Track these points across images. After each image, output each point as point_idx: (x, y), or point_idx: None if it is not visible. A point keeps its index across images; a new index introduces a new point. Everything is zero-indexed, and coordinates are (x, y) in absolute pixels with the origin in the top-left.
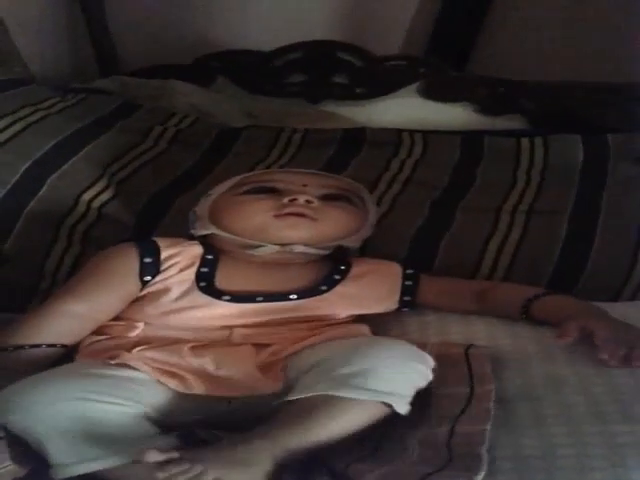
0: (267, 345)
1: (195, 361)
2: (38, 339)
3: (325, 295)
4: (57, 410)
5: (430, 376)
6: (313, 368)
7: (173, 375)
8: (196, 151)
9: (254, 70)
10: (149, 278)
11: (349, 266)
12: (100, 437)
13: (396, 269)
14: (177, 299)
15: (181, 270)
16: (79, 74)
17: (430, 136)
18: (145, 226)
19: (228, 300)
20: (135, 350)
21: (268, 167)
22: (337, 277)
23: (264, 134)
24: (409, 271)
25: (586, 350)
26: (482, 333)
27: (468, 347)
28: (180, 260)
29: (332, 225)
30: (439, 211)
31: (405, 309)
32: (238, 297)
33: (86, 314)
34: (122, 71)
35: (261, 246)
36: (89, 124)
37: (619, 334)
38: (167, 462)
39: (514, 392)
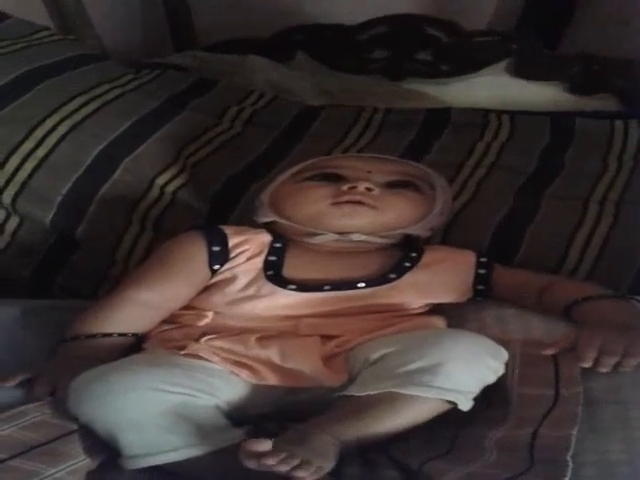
0: (336, 337)
1: (261, 352)
2: (109, 328)
3: (395, 283)
4: (129, 400)
5: (501, 371)
6: (378, 362)
7: (244, 366)
8: (272, 133)
9: (336, 45)
10: (218, 267)
11: (421, 254)
12: (173, 428)
13: (470, 257)
14: (244, 288)
15: (249, 258)
16: (152, 48)
17: (518, 117)
18: (219, 212)
19: (294, 289)
20: (203, 340)
21: (346, 150)
22: (407, 265)
23: (343, 114)
24: (483, 259)
25: None
26: (563, 330)
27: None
28: (248, 248)
29: (393, 214)
30: (525, 199)
31: (479, 299)
32: (305, 286)
33: (157, 303)
34: (198, 45)
35: (320, 234)
36: (163, 103)
37: (613, 343)
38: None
39: (599, 394)
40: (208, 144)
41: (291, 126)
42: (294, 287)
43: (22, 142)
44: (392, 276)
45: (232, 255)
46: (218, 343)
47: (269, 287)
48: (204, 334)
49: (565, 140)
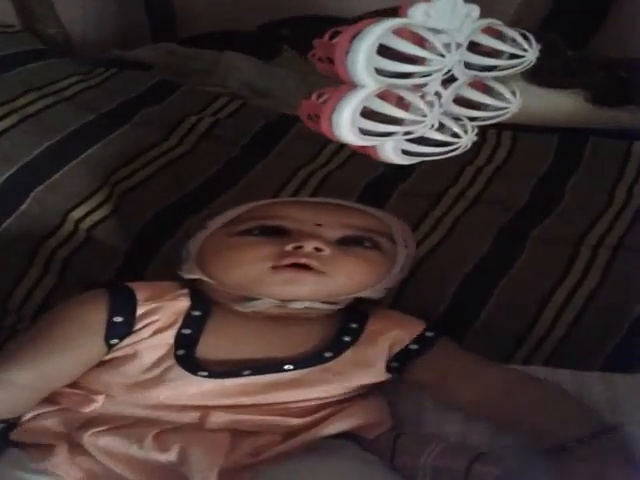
0: (252, 433)
1: (160, 456)
2: None
3: (330, 364)
4: None
5: None
6: None
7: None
8: (230, 151)
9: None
10: (116, 341)
11: (364, 322)
12: None
13: (418, 329)
14: (147, 370)
15: (156, 332)
16: (129, 40)
17: (521, 135)
18: (140, 254)
19: (205, 376)
20: (87, 434)
21: (312, 172)
22: (346, 339)
23: None
24: (429, 334)
25: None
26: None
27: (475, 458)
28: (159, 318)
29: (343, 279)
30: (505, 242)
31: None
32: (220, 372)
33: (32, 384)
34: (179, 37)
35: (254, 300)
36: (105, 114)
37: None
38: None
39: None
40: (145, 167)
41: (254, 141)
42: (205, 374)
43: None
44: (327, 355)
45: (137, 327)
46: (104, 441)
47: (177, 371)
48: (91, 423)
49: (571, 164)
